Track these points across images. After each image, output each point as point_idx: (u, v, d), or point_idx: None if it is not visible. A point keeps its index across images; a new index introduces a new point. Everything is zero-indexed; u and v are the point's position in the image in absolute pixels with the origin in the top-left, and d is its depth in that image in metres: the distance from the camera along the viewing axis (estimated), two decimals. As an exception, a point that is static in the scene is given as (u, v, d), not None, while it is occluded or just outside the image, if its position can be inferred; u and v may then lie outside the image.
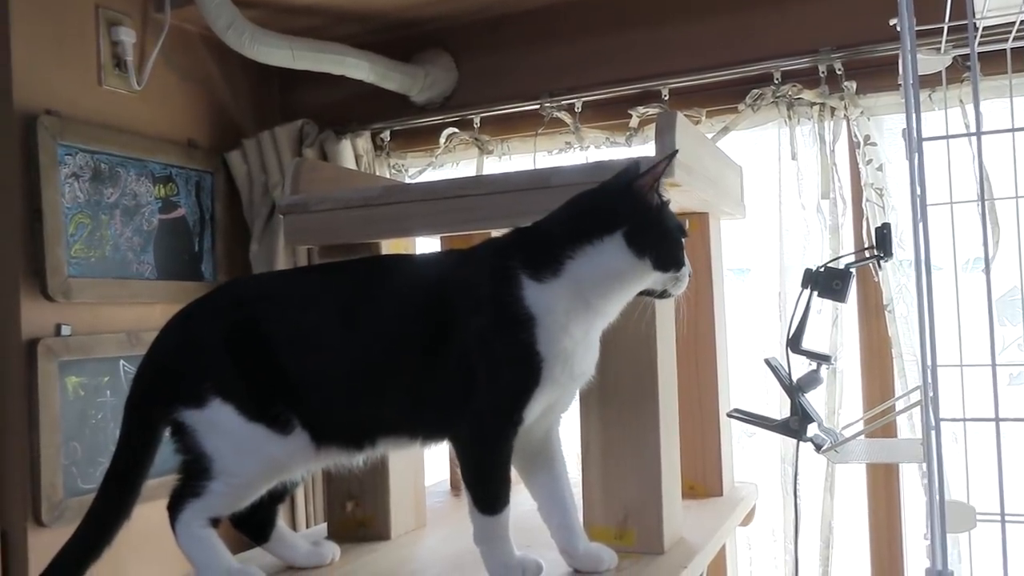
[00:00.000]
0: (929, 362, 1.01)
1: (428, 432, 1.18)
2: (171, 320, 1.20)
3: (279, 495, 1.25)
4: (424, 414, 1.16)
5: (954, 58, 1.89)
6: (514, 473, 1.16)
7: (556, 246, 1.11)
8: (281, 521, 1.30)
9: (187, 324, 1.20)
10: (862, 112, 2.19)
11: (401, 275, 1.21)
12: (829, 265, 1.44)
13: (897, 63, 1.95)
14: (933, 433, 0.98)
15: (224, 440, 1.13)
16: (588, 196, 1.14)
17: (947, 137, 1.16)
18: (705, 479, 1.63)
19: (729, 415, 1.56)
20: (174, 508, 1.15)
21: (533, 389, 1.10)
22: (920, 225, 1.01)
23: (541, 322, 1.09)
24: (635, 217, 1.10)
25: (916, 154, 0.98)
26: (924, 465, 1.34)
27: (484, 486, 1.14)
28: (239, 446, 1.13)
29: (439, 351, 1.12)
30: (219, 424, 1.12)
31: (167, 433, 1.17)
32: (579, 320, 1.11)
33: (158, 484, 1.18)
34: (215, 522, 1.15)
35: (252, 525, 1.26)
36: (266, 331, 1.15)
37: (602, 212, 1.11)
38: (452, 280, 1.16)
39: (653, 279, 1.13)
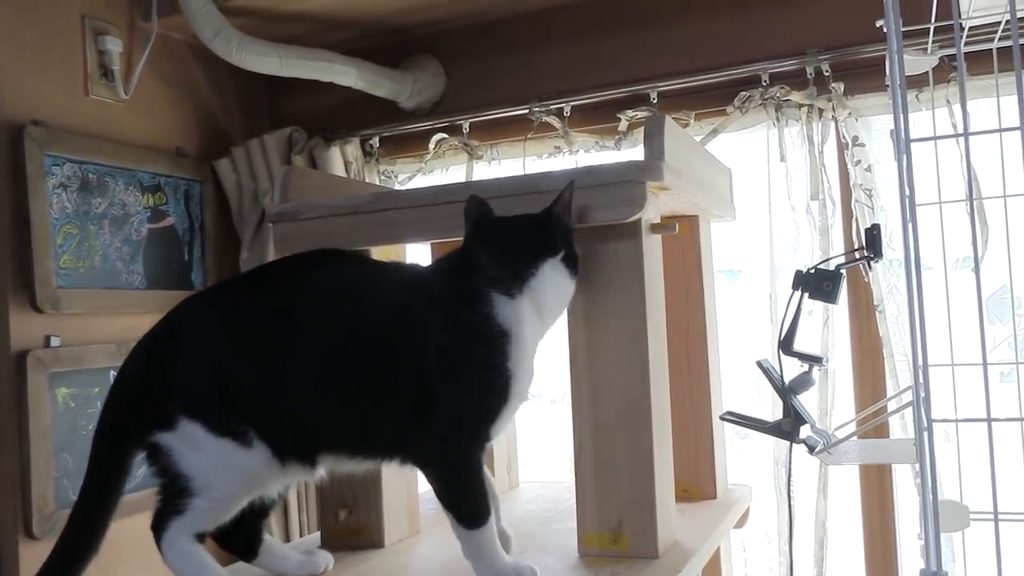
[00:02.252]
0: (920, 362, 1.01)
1: (377, 452, 1.17)
2: (133, 350, 1.19)
3: (260, 510, 1.23)
4: (372, 433, 1.15)
5: (940, 58, 1.90)
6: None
7: (519, 263, 1.14)
8: (267, 535, 1.29)
9: (148, 348, 1.18)
10: (850, 113, 2.19)
11: (350, 289, 1.19)
12: (819, 267, 1.45)
13: (884, 64, 1.95)
14: (926, 434, 0.98)
15: (198, 457, 1.11)
16: (538, 219, 1.18)
17: (935, 138, 1.16)
18: (699, 482, 1.63)
19: (722, 418, 1.56)
20: (158, 527, 1.13)
21: (502, 407, 1.13)
22: (910, 226, 1.01)
23: (514, 338, 1.12)
24: (567, 241, 1.19)
25: (904, 155, 0.99)
26: (917, 465, 1.35)
27: (463, 504, 1.14)
28: (213, 461, 1.12)
29: (391, 371, 1.12)
30: (192, 442, 1.11)
31: (143, 457, 1.15)
32: (536, 336, 1.17)
33: (142, 497, 1.17)
34: (201, 537, 1.14)
35: (239, 543, 1.24)
36: (217, 345, 1.13)
37: (550, 234, 1.17)
38: (410, 300, 1.15)
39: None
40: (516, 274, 1.14)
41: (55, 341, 2.21)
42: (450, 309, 1.13)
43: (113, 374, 2.36)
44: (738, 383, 2.23)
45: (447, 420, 1.11)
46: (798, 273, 1.45)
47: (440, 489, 1.15)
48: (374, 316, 1.15)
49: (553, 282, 1.17)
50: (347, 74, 2.53)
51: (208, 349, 1.13)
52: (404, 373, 1.12)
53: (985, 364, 1.07)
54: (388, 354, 1.13)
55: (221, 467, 1.12)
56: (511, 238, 1.18)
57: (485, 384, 1.12)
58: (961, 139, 1.20)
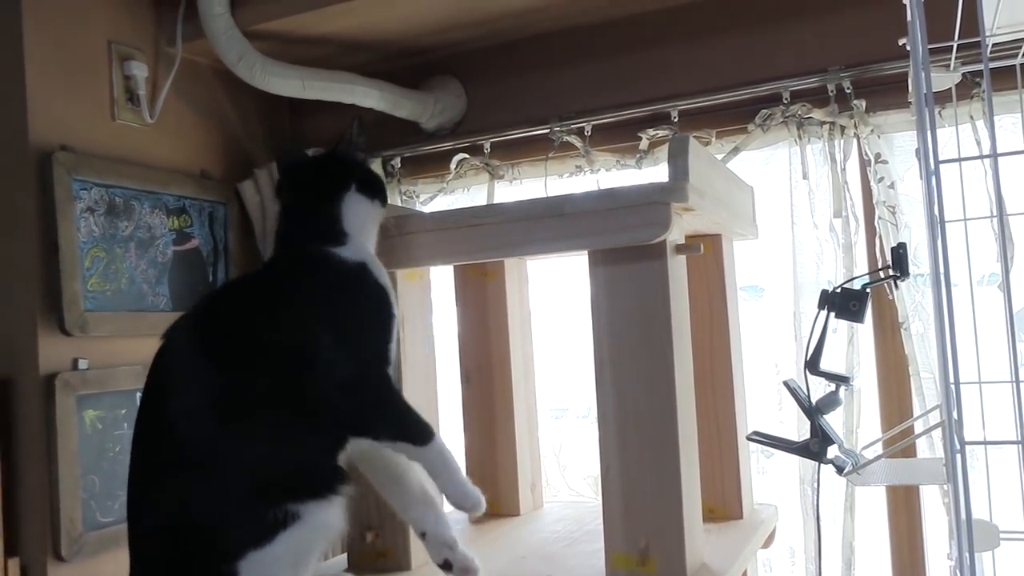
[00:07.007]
0: (952, 382, 1.00)
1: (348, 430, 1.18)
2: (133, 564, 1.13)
3: None
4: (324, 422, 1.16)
5: (963, 75, 1.89)
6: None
7: (327, 214, 1.30)
8: None
9: (142, 544, 1.13)
10: (872, 130, 2.19)
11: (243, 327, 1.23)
12: (845, 286, 1.44)
13: (906, 81, 1.95)
14: (958, 456, 0.98)
15: (273, 566, 1.08)
16: (327, 167, 1.36)
17: (960, 160, 1.16)
18: (725, 502, 1.62)
19: (749, 438, 1.55)
20: None
21: (392, 320, 1.24)
22: (938, 244, 1.01)
23: (368, 264, 1.27)
24: (357, 173, 1.35)
25: (933, 176, 0.98)
26: (947, 485, 1.33)
27: (406, 421, 1.19)
28: (288, 556, 1.09)
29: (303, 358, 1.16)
30: (260, 565, 1.07)
31: None
32: (373, 246, 1.33)
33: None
34: None
35: None
36: (183, 485, 1.11)
37: (336, 175, 1.34)
38: (293, 301, 1.20)
39: (382, 215, 1.38)
40: (332, 222, 1.28)
41: (83, 364, 2.23)
42: (313, 279, 1.23)
43: (140, 396, 2.38)
44: (762, 401, 2.22)
45: (352, 356, 1.17)
46: (824, 293, 1.45)
47: (376, 419, 1.18)
48: (260, 340, 1.18)
49: (359, 212, 1.32)
50: (368, 95, 2.55)
51: (176, 500, 1.10)
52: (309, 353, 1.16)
53: (1016, 382, 1.06)
54: (292, 346, 1.16)
55: (297, 554, 1.09)
56: (309, 193, 1.33)
57: (373, 309, 1.24)
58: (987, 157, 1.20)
